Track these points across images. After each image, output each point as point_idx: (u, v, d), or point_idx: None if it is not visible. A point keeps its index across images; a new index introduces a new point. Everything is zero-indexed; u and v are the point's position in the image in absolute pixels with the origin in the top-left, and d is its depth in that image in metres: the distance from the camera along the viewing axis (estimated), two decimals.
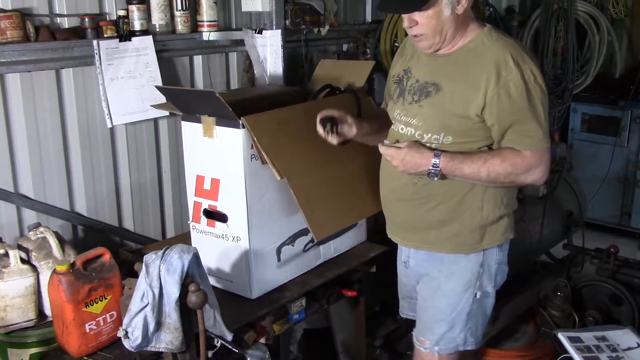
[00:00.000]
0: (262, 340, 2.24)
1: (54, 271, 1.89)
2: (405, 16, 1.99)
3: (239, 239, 2.20)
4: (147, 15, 2.62)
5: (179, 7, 2.73)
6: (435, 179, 1.98)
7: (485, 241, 2.10)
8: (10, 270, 1.99)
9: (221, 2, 2.96)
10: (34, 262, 2.05)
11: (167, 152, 2.87)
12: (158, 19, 2.66)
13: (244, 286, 2.25)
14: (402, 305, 2.45)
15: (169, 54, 2.77)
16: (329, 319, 3.04)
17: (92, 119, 2.55)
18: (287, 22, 3.07)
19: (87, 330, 1.91)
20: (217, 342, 1.85)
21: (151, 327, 1.73)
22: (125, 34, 2.54)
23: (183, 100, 2.26)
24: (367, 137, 2.24)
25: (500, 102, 1.91)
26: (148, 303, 1.72)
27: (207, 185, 2.24)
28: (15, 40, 2.24)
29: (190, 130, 2.25)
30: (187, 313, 1.75)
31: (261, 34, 2.97)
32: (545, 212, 3.38)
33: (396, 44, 3.64)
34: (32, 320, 2.04)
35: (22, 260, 2.02)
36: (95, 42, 2.46)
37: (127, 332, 1.73)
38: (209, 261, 2.24)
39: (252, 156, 2.14)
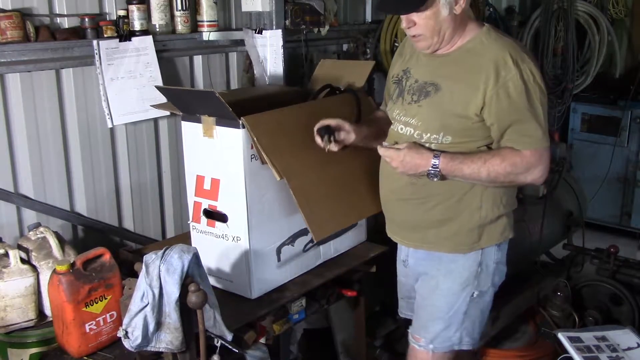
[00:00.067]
0: (262, 340, 2.25)
1: (54, 271, 1.89)
2: (403, 17, 2.00)
3: (239, 239, 2.20)
4: (147, 15, 2.62)
5: (179, 7, 2.73)
6: (435, 179, 1.98)
7: (484, 240, 2.10)
8: (10, 270, 1.99)
9: (221, 2, 2.96)
10: (34, 262, 2.05)
11: (167, 152, 2.87)
12: (158, 19, 2.66)
13: (244, 286, 2.25)
14: (401, 305, 2.46)
15: (169, 54, 2.77)
16: (329, 319, 3.04)
17: (92, 119, 2.55)
18: (287, 22, 3.07)
19: (87, 330, 1.91)
20: (217, 342, 1.85)
21: (151, 327, 1.73)
22: (125, 34, 2.54)
23: (183, 100, 2.26)
24: (366, 140, 2.24)
25: (499, 102, 1.92)
26: (148, 303, 1.72)
27: (207, 185, 2.24)
28: (15, 40, 2.24)
29: (190, 130, 2.25)
30: (187, 313, 1.75)
31: (261, 34, 2.97)
32: (545, 212, 3.37)
33: (396, 44, 3.64)
34: (32, 320, 2.04)
35: (22, 260, 2.02)
36: (95, 42, 2.46)
37: (127, 332, 1.73)
38: (209, 261, 2.24)
39: (252, 156, 2.14)
